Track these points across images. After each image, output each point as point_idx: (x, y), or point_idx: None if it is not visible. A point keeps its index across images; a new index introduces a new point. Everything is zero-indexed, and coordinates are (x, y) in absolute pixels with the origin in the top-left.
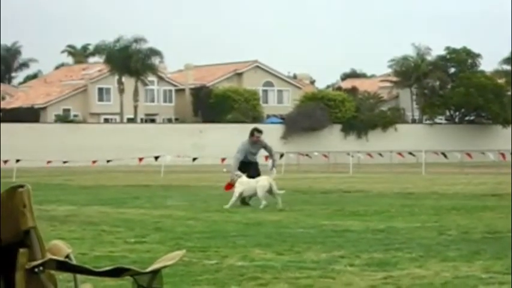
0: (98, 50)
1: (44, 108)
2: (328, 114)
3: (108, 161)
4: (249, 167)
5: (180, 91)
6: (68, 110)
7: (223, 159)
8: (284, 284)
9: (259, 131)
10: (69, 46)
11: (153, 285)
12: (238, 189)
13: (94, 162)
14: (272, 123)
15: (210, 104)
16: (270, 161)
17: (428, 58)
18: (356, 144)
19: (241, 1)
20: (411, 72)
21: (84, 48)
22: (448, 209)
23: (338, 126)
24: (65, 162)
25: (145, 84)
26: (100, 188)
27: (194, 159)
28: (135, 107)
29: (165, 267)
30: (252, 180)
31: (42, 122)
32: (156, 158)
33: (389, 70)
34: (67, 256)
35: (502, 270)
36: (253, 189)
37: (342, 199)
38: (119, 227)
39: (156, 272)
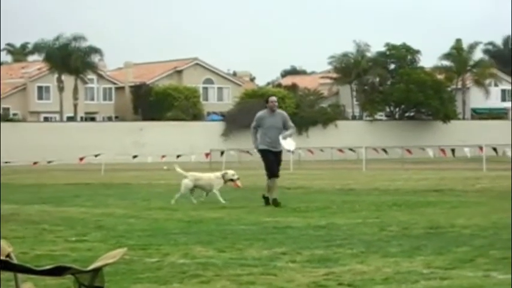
0: (37, 48)
1: None
2: None
3: (49, 162)
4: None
5: (120, 89)
6: (8, 109)
7: (163, 157)
8: (226, 281)
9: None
10: (8, 44)
11: (94, 283)
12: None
13: (35, 163)
14: (212, 120)
15: (150, 102)
16: (288, 132)
17: (368, 55)
18: (296, 141)
19: None
20: (351, 68)
21: (23, 46)
22: (389, 205)
23: None
24: (6, 162)
25: (85, 83)
26: (41, 187)
27: (134, 157)
28: (75, 106)
29: (106, 265)
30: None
31: None
32: (96, 155)
33: (330, 67)
34: (8, 255)
35: (444, 265)
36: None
37: (283, 196)
38: (59, 225)
39: (97, 271)
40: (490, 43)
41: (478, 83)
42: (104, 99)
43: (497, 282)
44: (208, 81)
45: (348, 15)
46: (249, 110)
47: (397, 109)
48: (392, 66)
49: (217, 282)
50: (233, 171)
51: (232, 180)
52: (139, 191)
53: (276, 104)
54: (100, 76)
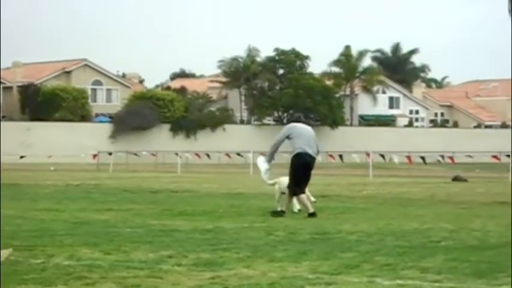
0: None
1: None
2: (157, 114)
3: None
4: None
5: (7, 89)
6: None
7: (49, 157)
8: (111, 283)
9: None
10: None
11: None
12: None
13: None
14: (101, 122)
15: (38, 102)
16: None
17: (258, 59)
18: (184, 144)
19: None
20: (240, 73)
21: None
22: None
23: (167, 126)
24: None
25: None
26: None
27: (21, 157)
28: None
29: None
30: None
31: None
32: None
33: (219, 71)
34: None
35: (329, 270)
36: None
37: (170, 199)
38: None
39: None
40: (379, 50)
41: (366, 89)
42: None
43: None
44: (97, 82)
45: (238, 20)
46: (137, 112)
47: (285, 114)
48: (281, 71)
49: (103, 285)
50: None
51: None
52: (26, 191)
53: None
54: None
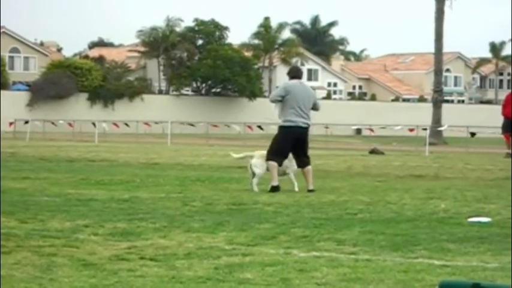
0: None
1: None
2: (75, 83)
3: None
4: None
5: None
6: None
7: None
8: (27, 252)
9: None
10: None
11: None
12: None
13: None
14: (18, 90)
15: None
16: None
17: (178, 29)
18: (102, 114)
19: None
20: (159, 42)
21: None
22: (193, 180)
23: (84, 95)
24: None
25: None
26: None
27: None
28: None
29: None
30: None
31: None
32: None
33: (138, 40)
34: None
35: (246, 241)
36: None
37: (87, 168)
38: None
39: None
40: (298, 22)
41: (285, 61)
42: None
43: (298, 260)
44: (15, 50)
45: None
46: (55, 81)
47: (203, 85)
48: (200, 41)
49: (19, 253)
50: None
51: None
52: None
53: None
54: None
